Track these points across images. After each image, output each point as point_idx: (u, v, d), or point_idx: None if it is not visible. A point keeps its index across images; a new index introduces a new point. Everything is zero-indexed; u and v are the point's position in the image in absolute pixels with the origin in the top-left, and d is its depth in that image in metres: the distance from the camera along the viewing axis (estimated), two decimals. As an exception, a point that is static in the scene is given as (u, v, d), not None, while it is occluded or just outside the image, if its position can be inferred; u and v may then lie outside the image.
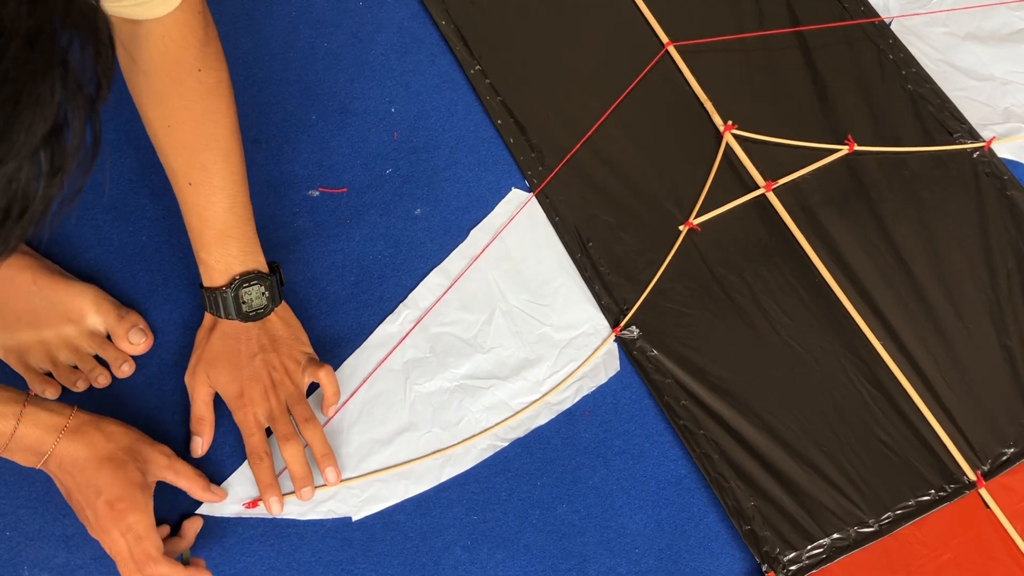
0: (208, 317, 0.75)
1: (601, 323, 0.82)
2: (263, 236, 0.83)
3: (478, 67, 0.92)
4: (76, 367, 0.77)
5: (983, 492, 0.77)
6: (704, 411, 0.78)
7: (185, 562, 0.71)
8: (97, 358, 0.77)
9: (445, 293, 0.82)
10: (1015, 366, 0.81)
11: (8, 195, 0.31)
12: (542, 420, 0.79)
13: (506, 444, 0.78)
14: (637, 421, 0.79)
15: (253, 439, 0.73)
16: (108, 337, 0.78)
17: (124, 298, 0.80)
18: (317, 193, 0.86)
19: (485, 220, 0.85)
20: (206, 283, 0.75)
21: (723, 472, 0.76)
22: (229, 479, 0.75)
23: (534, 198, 0.86)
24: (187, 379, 0.75)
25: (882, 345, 0.82)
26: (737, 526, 0.75)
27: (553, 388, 0.79)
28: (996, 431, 0.79)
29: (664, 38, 0.94)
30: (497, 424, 0.78)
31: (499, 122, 0.90)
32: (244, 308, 0.74)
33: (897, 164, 0.90)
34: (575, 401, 0.79)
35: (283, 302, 0.77)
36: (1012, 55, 0.95)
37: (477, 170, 0.88)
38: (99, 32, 0.31)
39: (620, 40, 0.95)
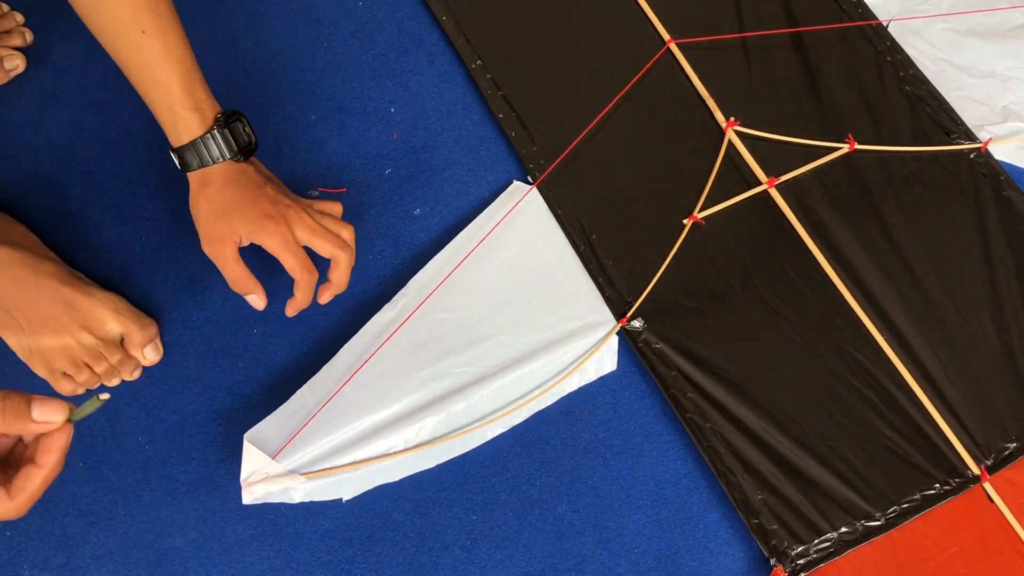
0: (194, 181, 0.71)
1: (605, 315, 0.83)
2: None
3: (479, 62, 0.94)
4: (93, 371, 0.78)
5: (987, 486, 0.78)
6: (711, 404, 0.79)
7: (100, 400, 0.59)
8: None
9: (444, 280, 0.83)
10: (1016, 361, 0.83)
11: None
12: (542, 405, 0.80)
13: (505, 429, 0.79)
14: (636, 421, 0.80)
15: (299, 255, 0.70)
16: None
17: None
18: (317, 193, 0.87)
19: (488, 209, 0.86)
20: (185, 137, 0.70)
21: (730, 466, 0.77)
22: (258, 427, 0.75)
23: (535, 190, 0.88)
24: (205, 248, 0.72)
25: (885, 340, 0.83)
26: (745, 519, 0.76)
27: (556, 379, 0.80)
28: (999, 426, 0.80)
29: (666, 35, 0.96)
30: (496, 413, 0.79)
31: (501, 116, 0.91)
32: (238, 144, 0.71)
33: (896, 163, 0.91)
34: (575, 388, 0.80)
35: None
36: (1013, 51, 0.96)
37: (476, 170, 0.90)
38: None
39: (622, 36, 0.97)
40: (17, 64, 0.88)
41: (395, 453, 0.76)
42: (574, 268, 0.85)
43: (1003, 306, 0.85)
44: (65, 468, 0.74)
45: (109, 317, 0.77)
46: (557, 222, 0.87)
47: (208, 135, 0.70)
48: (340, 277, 0.74)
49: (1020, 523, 0.77)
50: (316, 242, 0.72)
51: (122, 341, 0.78)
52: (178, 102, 0.69)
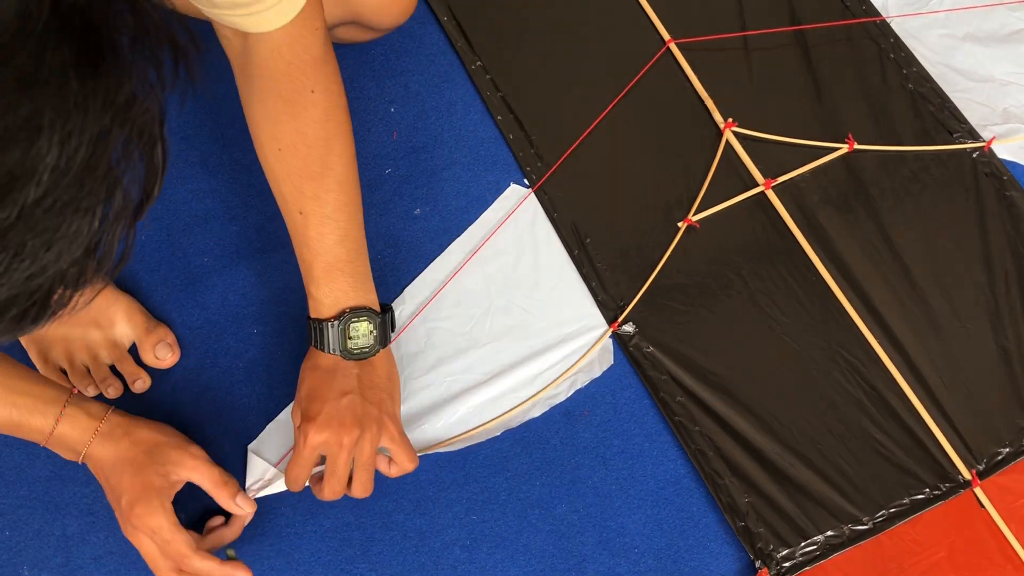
0: (311, 351, 0.72)
1: (597, 319, 0.84)
2: (261, 234, 0.85)
3: (479, 63, 0.95)
4: (90, 371, 0.79)
5: (978, 491, 0.79)
6: (700, 407, 0.80)
7: (230, 558, 0.73)
8: (113, 370, 0.79)
9: (442, 288, 0.84)
10: (1011, 367, 0.83)
11: (27, 300, 0.29)
12: (536, 413, 0.80)
13: (499, 433, 0.80)
14: (636, 421, 0.81)
15: (299, 469, 0.70)
16: (130, 350, 0.80)
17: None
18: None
19: (483, 215, 0.87)
20: (312, 314, 0.72)
21: (718, 469, 0.79)
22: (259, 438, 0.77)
23: (533, 194, 0.89)
24: (292, 415, 0.73)
25: (879, 343, 0.83)
26: (731, 522, 0.77)
27: (548, 384, 0.81)
28: (992, 431, 0.81)
29: (666, 35, 0.97)
30: (491, 420, 0.80)
31: (499, 118, 0.92)
32: (350, 344, 0.71)
33: (897, 163, 0.92)
34: (568, 395, 0.81)
35: (390, 351, 0.74)
36: (1011, 56, 0.96)
37: (476, 170, 0.90)
38: (155, 149, 0.29)
39: (622, 37, 0.97)
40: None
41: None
42: (567, 273, 0.86)
43: (1000, 309, 0.86)
44: (65, 468, 0.75)
45: (121, 318, 0.78)
46: (552, 225, 0.87)
47: (328, 323, 0.71)
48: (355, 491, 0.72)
49: (1011, 529, 0.78)
50: (331, 469, 0.70)
51: (130, 353, 0.79)
52: (312, 284, 0.71)
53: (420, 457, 0.75)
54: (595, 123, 0.92)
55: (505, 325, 0.83)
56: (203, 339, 0.82)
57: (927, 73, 0.96)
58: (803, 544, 0.76)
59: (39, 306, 0.30)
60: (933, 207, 0.90)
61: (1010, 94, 0.95)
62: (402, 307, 0.83)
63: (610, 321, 0.84)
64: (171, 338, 0.80)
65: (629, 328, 0.83)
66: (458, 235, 0.87)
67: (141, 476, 0.68)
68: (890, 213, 0.90)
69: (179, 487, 0.71)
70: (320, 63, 0.66)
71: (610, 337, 0.83)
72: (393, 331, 0.75)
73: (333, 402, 0.69)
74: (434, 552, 0.76)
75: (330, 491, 0.70)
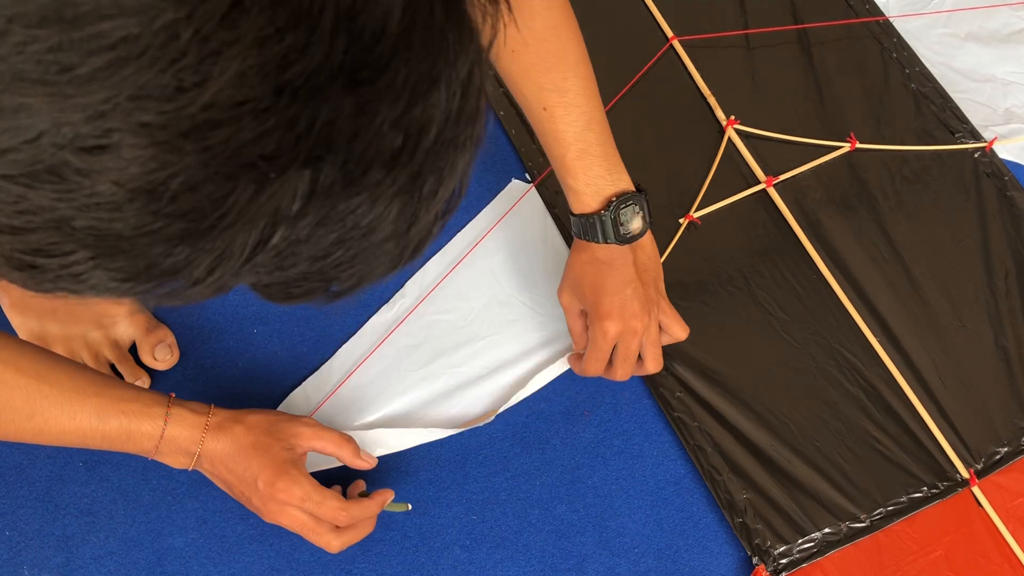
0: (577, 243, 0.77)
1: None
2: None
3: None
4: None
5: (976, 490, 0.80)
6: (699, 404, 0.82)
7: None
8: (114, 369, 0.80)
9: (442, 281, 0.85)
10: (1011, 366, 0.85)
11: (424, 234, 0.33)
12: (529, 391, 0.82)
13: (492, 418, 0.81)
14: (636, 421, 0.82)
15: (598, 363, 0.76)
16: (130, 350, 0.81)
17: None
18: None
19: (484, 210, 0.89)
20: (576, 209, 0.75)
21: (716, 465, 0.80)
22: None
23: (534, 189, 0.90)
24: (560, 297, 0.78)
25: (878, 342, 0.85)
26: (729, 519, 0.78)
27: (547, 380, 0.83)
28: (990, 430, 0.82)
29: (669, 32, 0.98)
30: (489, 413, 0.81)
31: (501, 113, 0.93)
32: (622, 231, 0.74)
33: (898, 163, 0.93)
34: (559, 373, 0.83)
35: (650, 232, 0.78)
36: (1013, 56, 0.98)
37: (476, 170, 0.91)
38: (486, 84, 0.32)
39: (624, 33, 0.98)
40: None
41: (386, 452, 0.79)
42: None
43: (1000, 309, 0.87)
44: (65, 468, 0.76)
45: (123, 317, 0.79)
46: (553, 220, 0.88)
47: (599, 215, 0.74)
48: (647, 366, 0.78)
49: (1008, 528, 0.79)
50: (624, 358, 0.76)
51: (131, 353, 0.80)
52: (570, 176, 0.74)
53: (420, 450, 0.77)
54: (597, 119, 0.93)
55: (505, 319, 0.84)
56: (203, 339, 0.83)
57: (929, 73, 0.98)
58: (800, 541, 0.78)
59: (427, 238, 0.33)
60: (934, 207, 0.92)
61: (1012, 94, 0.96)
62: (402, 300, 0.85)
63: (611, 317, 0.85)
64: (171, 339, 0.81)
65: (629, 324, 0.85)
66: (457, 233, 0.88)
67: (270, 455, 0.70)
68: (891, 212, 0.91)
69: (304, 458, 0.73)
70: None
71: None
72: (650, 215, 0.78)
73: (620, 295, 0.74)
74: (434, 552, 0.77)
75: (623, 373, 0.76)
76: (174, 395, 0.70)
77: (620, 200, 0.74)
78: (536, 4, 0.70)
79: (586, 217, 0.74)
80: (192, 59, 0.24)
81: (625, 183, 0.75)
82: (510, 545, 0.78)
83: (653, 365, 0.78)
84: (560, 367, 0.83)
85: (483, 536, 0.78)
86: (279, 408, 0.81)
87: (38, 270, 0.28)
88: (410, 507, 0.78)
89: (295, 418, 0.73)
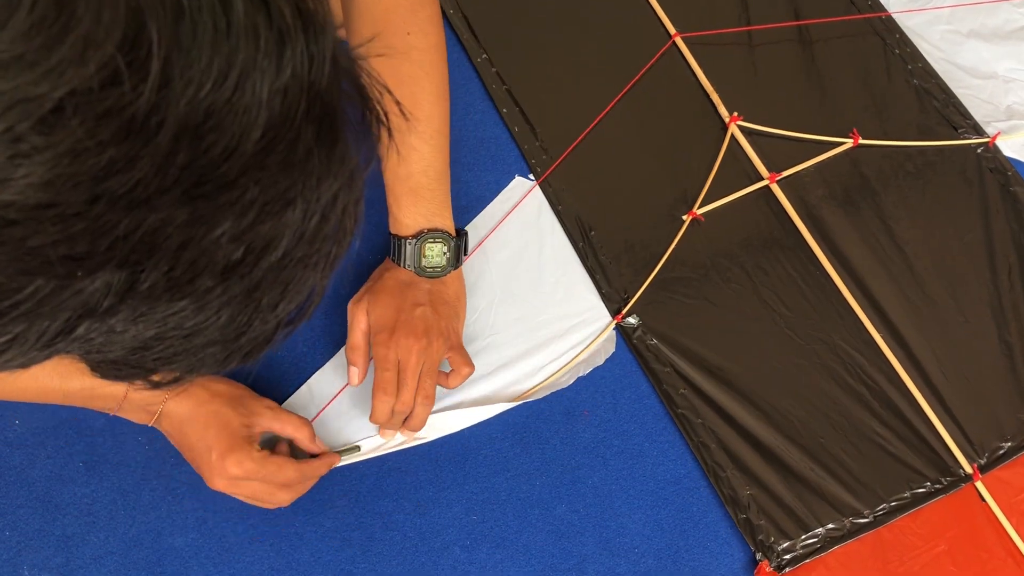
0: (388, 263, 0.81)
1: (601, 311, 0.86)
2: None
3: (484, 55, 0.96)
4: None
5: (979, 485, 0.81)
6: (703, 400, 0.83)
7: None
8: None
9: None
10: (1014, 361, 0.86)
11: (257, 342, 0.33)
12: (535, 398, 0.83)
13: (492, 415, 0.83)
14: (636, 421, 0.83)
15: (387, 374, 0.77)
16: None
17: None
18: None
19: (488, 208, 0.90)
20: (392, 230, 0.80)
21: (720, 461, 0.81)
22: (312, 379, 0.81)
23: (538, 186, 0.91)
24: (350, 306, 0.80)
25: (881, 337, 0.86)
26: (732, 515, 0.80)
27: (551, 376, 0.84)
28: (994, 425, 0.84)
29: (671, 29, 0.99)
30: (495, 411, 0.82)
31: (504, 111, 0.94)
32: (424, 262, 0.79)
33: (901, 158, 0.94)
34: (571, 383, 0.83)
35: (461, 275, 0.82)
36: (1015, 53, 0.99)
37: (477, 170, 0.92)
38: (359, 206, 0.33)
39: (627, 30, 0.99)
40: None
41: (394, 446, 0.81)
42: (572, 265, 0.88)
43: (1003, 304, 0.89)
44: (65, 468, 0.77)
45: None
46: (556, 218, 0.89)
47: (406, 240, 0.79)
48: (413, 420, 0.79)
49: (1011, 522, 0.81)
50: (401, 380, 0.77)
51: None
52: (395, 204, 0.79)
53: (420, 451, 0.78)
54: (600, 116, 0.94)
55: (509, 317, 0.85)
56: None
57: (932, 69, 0.99)
58: (804, 536, 0.79)
59: (262, 346, 0.34)
60: (937, 202, 0.92)
61: (1013, 91, 0.97)
62: None
63: (614, 313, 0.86)
64: None
65: (633, 320, 0.85)
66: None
67: (228, 429, 0.72)
68: (894, 208, 0.92)
69: (259, 437, 0.75)
70: (416, 7, 0.74)
71: (614, 329, 0.85)
72: (465, 254, 0.83)
73: (407, 312, 0.78)
74: (434, 552, 0.78)
75: (404, 400, 0.77)
76: None
77: (429, 234, 0.79)
78: (409, 52, 0.75)
79: (396, 239, 0.79)
80: None
81: (442, 223, 0.80)
82: (510, 545, 0.79)
83: (422, 397, 0.77)
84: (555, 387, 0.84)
85: (483, 536, 0.79)
86: (283, 406, 0.81)
87: None
88: (360, 447, 0.80)
89: (258, 398, 0.76)
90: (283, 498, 0.75)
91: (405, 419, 0.78)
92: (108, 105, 0.24)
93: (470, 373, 0.80)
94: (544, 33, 0.99)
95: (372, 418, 0.77)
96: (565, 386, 0.84)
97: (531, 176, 0.92)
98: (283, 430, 0.76)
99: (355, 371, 0.80)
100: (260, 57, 0.26)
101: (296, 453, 0.78)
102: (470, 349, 0.84)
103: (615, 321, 0.86)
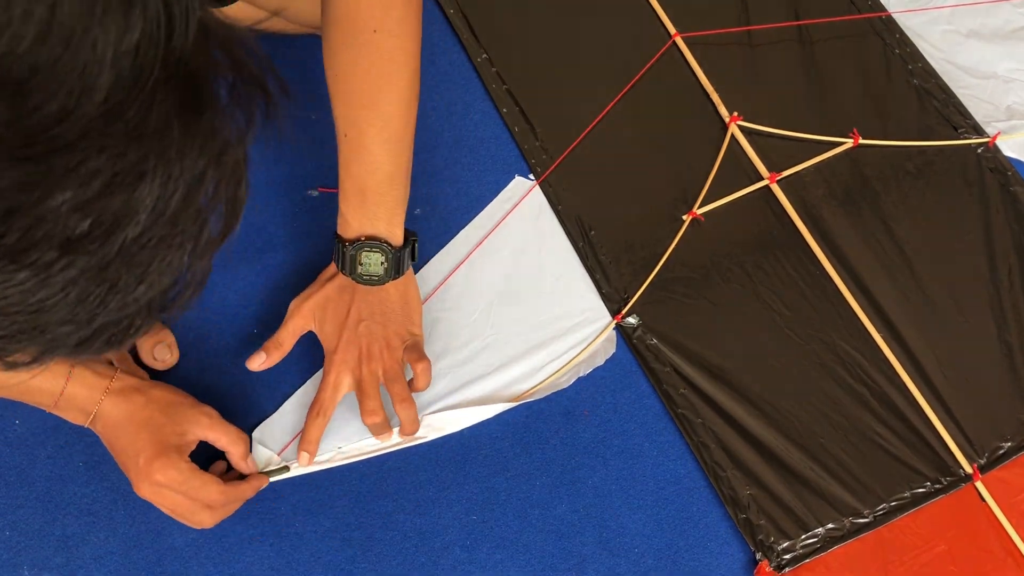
0: (334, 264, 0.80)
1: (601, 311, 0.87)
2: (262, 234, 0.87)
3: (484, 56, 0.97)
4: None
5: (979, 485, 0.82)
6: (702, 400, 0.84)
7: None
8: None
9: (447, 280, 0.87)
10: (1014, 362, 0.87)
11: (116, 327, 0.32)
12: (535, 398, 0.84)
13: (494, 415, 0.83)
14: (636, 421, 0.84)
15: (324, 395, 0.77)
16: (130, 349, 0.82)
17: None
18: (317, 193, 0.90)
19: (488, 207, 0.91)
20: (338, 231, 0.79)
21: (720, 461, 0.82)
22: (268, 421, 0.81)
23: (537, 186, 0.91)
24: (292, 304, 0.80)
25: (881, 338, 0.87)
26: (732, 515, 0.80)
27: (551, 376, 0.84)
28: (993, 425, 0.84)
29: (672, 29, 0.99)
30: (494, 413, 0.83)
31: (504, 110, 0.95)
32: (360, 270, 0.78)
33: (901, 158, 0.95)
34: (571, 383, 0.84)
35: (410, 276, 0.80)
36: (1015, 53, 1.00)
37: (476, 170, 0.93)
38: (240, 187, 0.31)
39: (628, 30, 1.00)
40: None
41: (393, 446, 0.81)
42: (572, 265, 0.89)
43: (1003, 304, 0.89)
44: (65, 468, 0.78)
45: None
46: (556, 217, 0.90)
47: (344, 246, 0.78)
48: (404, 426, 0.79)
49: (1011, 522, 0.82)
50: (360, 398, 0.78)
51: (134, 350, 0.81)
52: (343, 201, 0.78)
53: (419, 450, 0.79)
54: (600, 116, 0.94)
55: (509, 317, 0.86)
56: (203, 340, 0.84)
57: (932, 69, 0.99)
58: (804, 536, 0.80)
59: (124, 331, 0.32)
60: (937, 202, 0.93)
61: (1013, 91, 0.98)
62: None
63: (614, 313, 0.86)
64: (170, 339, 0.82)
65: (633, 320, 0.86)
66: (460, 231, 0.90)
67: (159, 434, 0.72)
68: (894, 208, 0.92)
69: (193, 447, 0.74)
70: (387, 7, 0.72)
71: (614, 329, 0.86)
72: (414, 261, 0.81)
73: (350, 331, 0.77)
74: (434, 552, 0.78)
75: (369, 412, 0.77)
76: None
77: (367, 242, 0.77)
78: (373, 51, 0.73)
79: (338, 242, 0.78)
80: None
81: (385, 230, 0.78)
82: (510, 545, 0.79)
83: (400, 402, 0.77)
84: (557, 386, 0.85)
85: (483, 536, 0.79)
86: (286, 402, 0.82)
87: None
88: (289, 467, 0.79)
89: (197, 405, 0.76)
90: (203, 518, 0.73)
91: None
92: None
93: (428, 366, 0.79)
94: (544, 33, 1.00)
95: (303, 438, 0.78)
96: (565, 386, 0.84)
97: (531, 176, 0.93)
98: (217, 440, 0.75)
99: (262, 357, 0.79)
100: (99, 12, 0.24)
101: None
102: (471, 348, 0.84)
103: (615, 321, 0.86)
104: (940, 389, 0.85)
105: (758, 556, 0.79)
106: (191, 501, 0.72)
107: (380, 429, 0.79)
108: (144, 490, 0.72)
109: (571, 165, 0.93)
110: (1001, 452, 0.84)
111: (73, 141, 0.25)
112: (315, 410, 0.78)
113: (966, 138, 0.96)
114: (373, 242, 0.77)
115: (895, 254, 0.91)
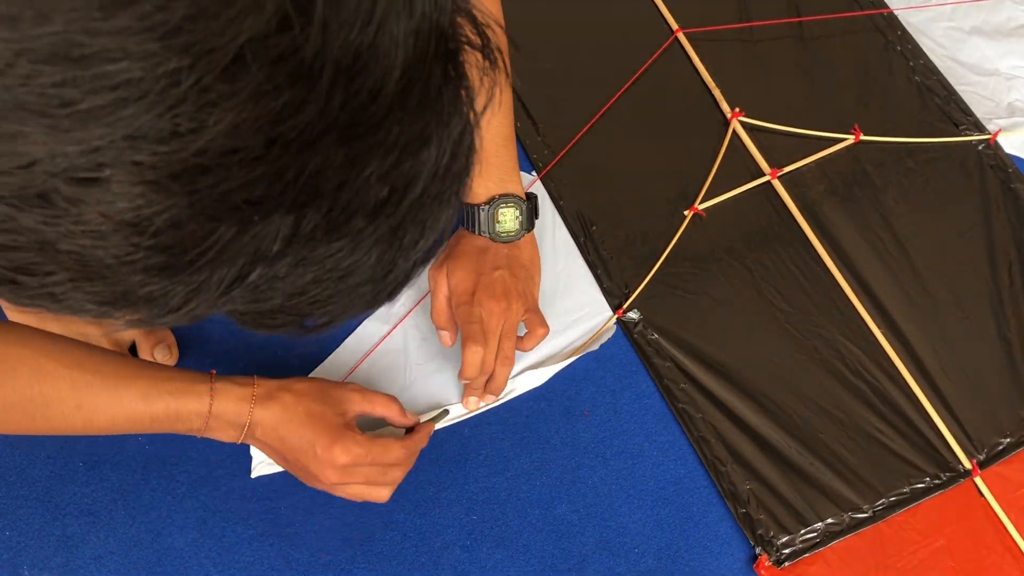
0: (461, 232, 0.83)
1: (602, 306, 0.88)
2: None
3: (486, 50, 0.97)
4: None
5: (978, 481, 0.83)
6: (703, 394, 0.85)
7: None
8: None
9: None
10: (1013, 357, 0.88)
11: (400, 281, 0.35)
12: (536, 383, 0.85)
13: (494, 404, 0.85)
14: (636, 421, 0.85)
15: (473, 326, 0.79)
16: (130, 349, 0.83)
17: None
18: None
19: None
20: (464, 199, 0.80)
21: (720, 455, 0.83)
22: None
23: (539, 181, 0.91)
24: (430, 272, 0.82)
25: (881, 333, 0.88)
26: (732, 509, 0.81)
27: (553, 372, 0.85)
28: (993, 421, 0.86)
29: (674, 24, 1.00)
30: (494, 403, 0.84)
31: (505, 107, 0.95)
32: (497, 228, 0.82)
33: (902, 154, 0.96)
34: (564, 366, 0.85)
35: (534, 239, 0.85)
36: (1017, 50, 1.02)
37: (475, 169, 0.93)
38: (476, 139, 0.35)
39: (630, 26, 1.00)
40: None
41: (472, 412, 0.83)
42: (573, 259, 0.89)
43: (1003, 300, 0.91)
44: (65, 468, 0.78)
45: None
46: (558, 212, 0.90)
47: (479, 207, 0.82)
48: (495, 381, 0.82)
49: (1010, 518, 0.83)
50: (487, 341, 0.80)
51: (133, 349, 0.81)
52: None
53: (421, 450, 0.80)
54: (602, 111, 0.95)
55: None
56: (203, 340, 0.85)
57: (933, 66, 1.00)
58: (803, 531, 0.81)
59: (403, 284, 0.36)
60: (938, 198, 0.94)
61: (1015, 88, 0.99)
62: (407, 293, 0.86)
63: (615, 308, 0.87)
64: (171, 339, 0.83)
65: (634, 315, 0.87)
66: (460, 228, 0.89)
67: (323, 421, 0.72)
68: (895, 204, 0.93)
69: (355, 422, 0.76)
70: None
71: (615, 323, 0.86)
72: (536, 218, 0.85)
73: (487, 275, 0.81)
74: (434, 552, 0.79)
75: (486, 360, 0.79)
76: (214, 371, 0.73)
77: (501, 199, 0.81)
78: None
79: (469, 207, 0.82)
80: (190, 107, 0.25)
81: (513, 187, 0.82)
82: (510, 545, 0.80)
83: (503, 359, 0.81)
84: (551, 370, 0.86)
85: (483, 536, 0.80)
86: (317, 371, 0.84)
87: (19, 286, 0.29)
88: (448, 410, 0.82)
89: (342, 384, 0.77)
90: (396, 476, 0.75)
91: (487, 382, 0.81)
92: (281, 49, 0.25)
93: (545, 334, 0.83)
94: (546, 29, 1.00)
95: (463, 372, 0.80)
96: (563, 367, 0.85)
97: (533, 171, 0.93)
98: (373, 410, 0.77)
99: (446, 334, 0.82)
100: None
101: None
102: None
103: (616, 316, 0.87)
104: (939, 385, 0.87)
105: (757, 551, 0.80)
106: (381, 467, 0.74)
107: (480, 383, 0.81)
108: (331, 476, 0.72)
109: (573, 160, 0.93)
110: (1000, 448, 0.85)
111: (381, 118, 0.28)
112: (472, 342, 0.79)
113: (967, 135, 0.97)
114: (507, 198, 0.81)
115: (896, 250, 0.91)
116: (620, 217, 0.92)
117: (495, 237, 0.82)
